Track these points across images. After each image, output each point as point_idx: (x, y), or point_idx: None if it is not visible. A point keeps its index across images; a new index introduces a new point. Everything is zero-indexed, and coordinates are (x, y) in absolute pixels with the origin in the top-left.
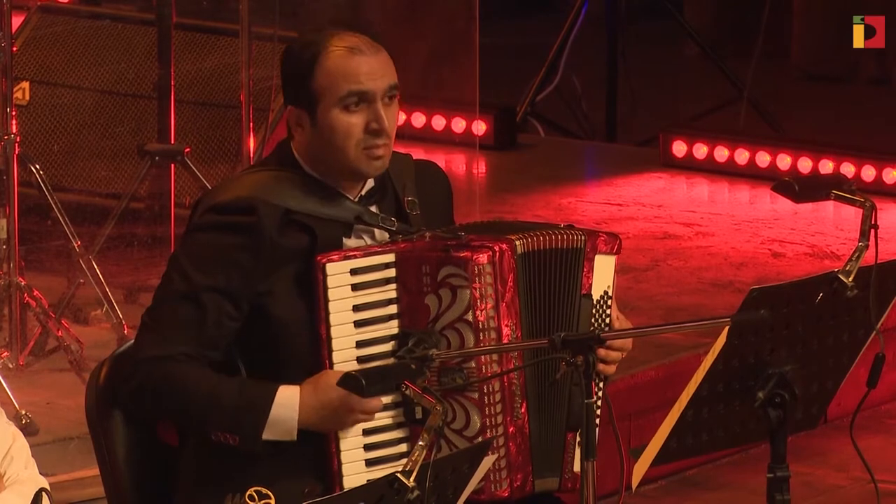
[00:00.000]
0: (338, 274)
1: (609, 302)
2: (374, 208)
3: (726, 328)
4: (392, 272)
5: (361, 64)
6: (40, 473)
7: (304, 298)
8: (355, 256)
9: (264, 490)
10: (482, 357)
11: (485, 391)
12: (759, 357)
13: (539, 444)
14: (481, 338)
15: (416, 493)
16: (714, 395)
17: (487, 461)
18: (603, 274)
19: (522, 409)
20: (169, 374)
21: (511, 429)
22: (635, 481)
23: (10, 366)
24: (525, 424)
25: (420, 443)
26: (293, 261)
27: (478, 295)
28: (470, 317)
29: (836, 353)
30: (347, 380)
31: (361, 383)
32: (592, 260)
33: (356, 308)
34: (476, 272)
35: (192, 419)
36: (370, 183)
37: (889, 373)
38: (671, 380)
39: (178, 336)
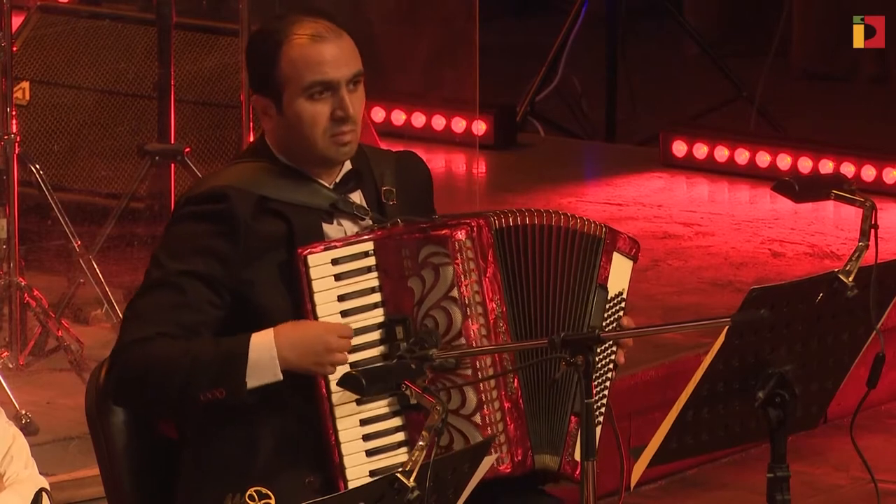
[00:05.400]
0: (320, 265)
1: (622, 305)
2: (355, 195)
3: (726, 328)
4: (372, 260)
5: (324, 52)
6: (40, 473)
7: (287, 287)
8: (335, 246)
9: (264, 490)
10: (471, 333)
11: (477, 367)
12: (759, 357)
13: (535, 420)
14: (468, 313)
15: (416, 492)
16: (714, 395)
17: (487, 461)
18: (620, 274)
19: (515, 384)
20: (147, 352)
21: (507, 404)
22: (634, 480)
23: (10, 365)
24: (519, 399)
25: (420, 442)
26: (272, 248)
27: (461, 270)
28: (455, 293)
29: (836, 353)
30: (347, 380)
31: (362, 383)
32: (611, 253)
33: (341, 298)
34: (456, 248)
35: (176, 388)
36: (346, 167)
37: (889, 373)
38: (671, 379)
39: (157, 319)
